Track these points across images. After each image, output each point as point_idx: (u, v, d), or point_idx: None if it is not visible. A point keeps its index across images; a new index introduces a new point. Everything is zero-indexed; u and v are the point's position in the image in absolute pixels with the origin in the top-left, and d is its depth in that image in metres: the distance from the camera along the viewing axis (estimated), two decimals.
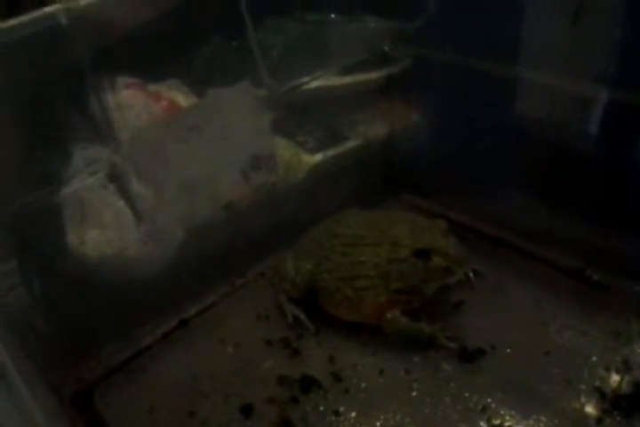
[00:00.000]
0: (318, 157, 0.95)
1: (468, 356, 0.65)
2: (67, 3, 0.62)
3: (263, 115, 0.91)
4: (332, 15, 1.05)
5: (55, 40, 0.62)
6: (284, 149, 0.96)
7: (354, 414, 0.61)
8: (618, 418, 0.57)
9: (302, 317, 0.72)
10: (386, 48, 0.98)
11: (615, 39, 0.71)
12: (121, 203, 0.77)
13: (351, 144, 0.98)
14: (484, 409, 0.60)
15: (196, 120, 0.75)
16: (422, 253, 0.65)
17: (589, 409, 0.58)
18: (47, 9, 0.60)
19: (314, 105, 1.00)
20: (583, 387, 0.60)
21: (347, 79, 0.98)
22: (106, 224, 0.76)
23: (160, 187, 0.76)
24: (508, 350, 0.65)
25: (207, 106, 0.79)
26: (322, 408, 0.62)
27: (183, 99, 0.85)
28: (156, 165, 0.74)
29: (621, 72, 0.72)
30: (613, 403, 0.58)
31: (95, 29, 0.69)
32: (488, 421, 0.58)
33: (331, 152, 0.96)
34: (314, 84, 0.96)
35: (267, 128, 0.92)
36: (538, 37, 0.82)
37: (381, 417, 0.60)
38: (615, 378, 0.61)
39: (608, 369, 0.62)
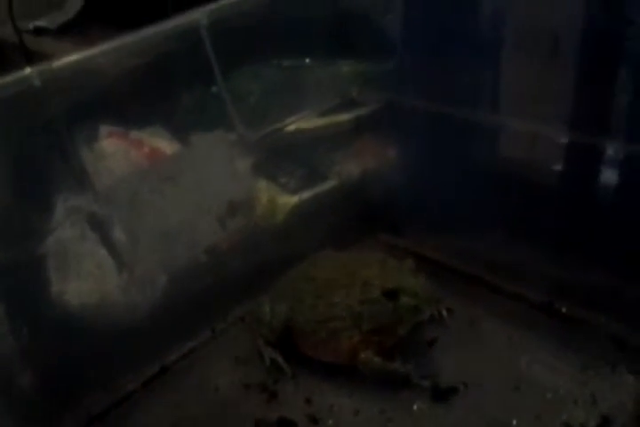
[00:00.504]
0: (298, 197, 0.97)
1: (441, 394, 0.67)
2: (39, 65, 0.65)
3: (239, 160, 0.94)
4: (307, 60, 1.09)
5: (30, 101, 0.65)
6: (263, 191, 0.98)
7: None
8: None
9: (279, 360, 0.73)
10: (354, 93, 1.01)
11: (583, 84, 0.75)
12: (102, 252, 0.79)
13: (330, 184, 1.00)
14: None
15: (170, 171, 0.78)
16: (392, 294, 0.66)
17: None
18: (20, 72, 0.63)
19: (294, 146, 1.03)
20: (552, 422, 0.62)
21: (319, 122, 1.02)
22: (87, 273, 0.78)
23: (138, 235, 0.78)
24: (480, 387, 0.67)
25: (181, 156, 0.82)
26: None
27: (166, 145, 0.87)
28: (134, 213, 0.77)
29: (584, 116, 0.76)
30: None
31: (69, 88, 0.72)
32: None
33: (310, 192, 0.98)
34: (287, 128, 1.00)
35: (244, 173, 0.95)
36: (505, 83, 0.86)
37: None
38: (583, 412, 0.62)
39: (576, 403, 0.63)
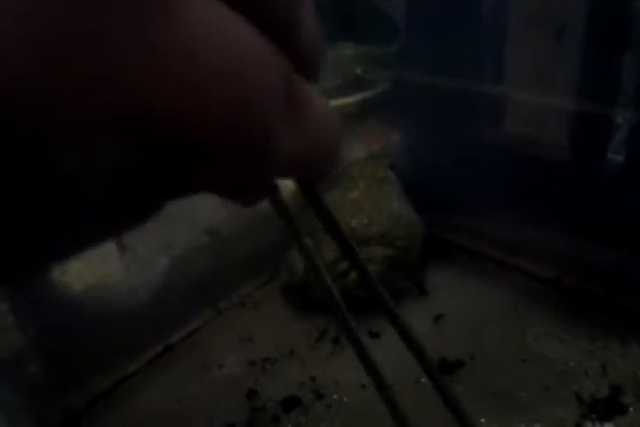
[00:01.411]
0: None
1: (448, 368, 0.65)
2: None
3: None
4: None
5: None
6: None
7: None
8: (596, 422, 0.57)
9: None
10: (359, 72, 1.00)
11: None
12: None
13: (337, 171, 0.99)
14: None
15: None
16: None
17: (567, 414, 0.58)
18: None
19: None
20: (561, 393, 0.61)
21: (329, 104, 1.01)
22: (87, 254, 0.77)
23: None
24: (487, 360, 0.66)
25: None
26: (304, 426, 0.62)
27: None
28: None
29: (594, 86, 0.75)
30: (591, 407, 0.58)
31: None
32: None
33: None
34: None
35: None
36: (510, 56, 0.85)
37: None
38: (593, 383, 0.61)
39: (586, 374, 0.62)
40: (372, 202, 0.78)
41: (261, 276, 0.85)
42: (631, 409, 0.58)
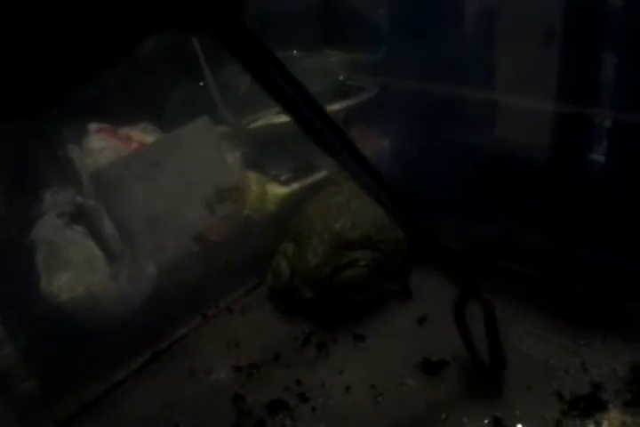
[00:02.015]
0: (289, 188, 0.98)
1: (431, 368, 0.66)
2: None
3: (228, 148, 0.94)
4: (295, 52, 1.10)
5: None
6: (254, 183, 0.99)
7: None
8: (576, 419, 0.58)
9: None
10: (342, 78, 1.01)
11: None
12: (90, 243, 0.79)
13: (321, 175, 1.00)
14: (447, 418, 0.60)
15: (155, 157, 0.78)
16: None
17: (548, 412, 0.59)
18: None
19: (285, 138, 1.03)
20: (543, 391, 0.61)
21: None
22: (75, 265, 0.78)
23: (125, 223, 0.78)
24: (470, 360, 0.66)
25: (166, 142, 0.82)
26: None
27: (154, 140, 0.88)
28: (119, 202, 0.77)
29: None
30: (572, 405, 0.59)
31: None
32: None
33: (301, 183, 0.98)
34: (278, 120, 1.00)
35: (233, 161, 0.95)
36: (495, 61, 0.86)
37: None
38: (574, 380, 0.62)
39: (567, 371, 0.63)
40: (355, 206, 0.79)
41: (249, 282, 0.85)
42: (611, 406, 0.58)
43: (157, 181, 0.78)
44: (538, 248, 0.80)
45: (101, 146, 0.87)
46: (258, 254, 0.87)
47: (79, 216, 0.78)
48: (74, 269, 0.78)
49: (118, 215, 0.78)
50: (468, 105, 0.94)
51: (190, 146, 0.81)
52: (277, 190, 0.98)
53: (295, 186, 0.98)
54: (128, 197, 0.77)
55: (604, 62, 0.75)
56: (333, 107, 1.03)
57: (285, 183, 0.99)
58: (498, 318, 0.71)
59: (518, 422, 0.59)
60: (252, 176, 1.00)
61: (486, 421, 0.59)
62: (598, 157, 0.81)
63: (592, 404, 0.58)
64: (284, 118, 1.01)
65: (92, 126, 0.89)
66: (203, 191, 0.84)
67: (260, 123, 1.01)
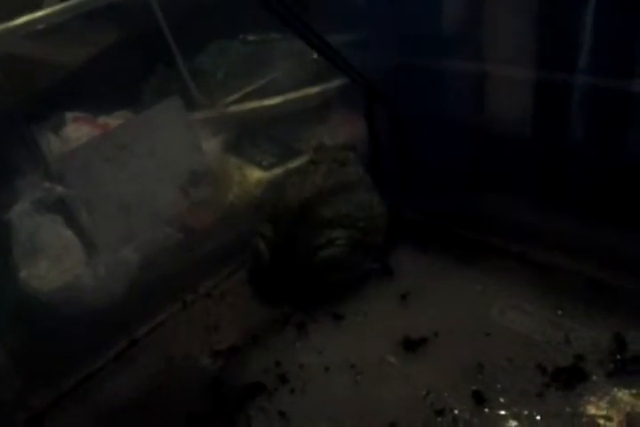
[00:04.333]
0: (271, 173, 0.96)
1: (411, 345, 0.65)
2: None
3: (205, 133, 0.93)
4: (272, 34, 1.08)
5: None
6: (235, 167, 0.97)
7: (298, 413, 0.60)
8: (559, 391, 0.56)
9: None
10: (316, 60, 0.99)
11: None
12: (67, 231, 0.78)
13: (303, 159, 0.98)
14: (428, 394, 0.59)
15: (124, 139, 0.76)
16: None
17: (529, 384, 0.58)
18: None
19: (267, 123, 1.01)
20: (524, 364, 0.60)
21: (289, 96, 1.00)
22: (54, 255, 0.77)
23: (96, 207, 0.76)
24: (451, 336, 0.65)
25: (134, 124, 0.80)
26: (267, 411, 0.61)
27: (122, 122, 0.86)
28: (89, 186, 0.75)
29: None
30: (553, 377, 0.58)
31: (17, 80, 0.72)
32: (431, 406, 0.58)
33: (284, 168, 0.97)
34: (256, 104, 0.99)
35: (211, 146, 0.93)
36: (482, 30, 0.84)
37: (327, 412, 0.59)
38: (556, 352, 0.60)
39: (549, 344, 0.62)
40: (332, 185, 0.77)
41: (227, 267, 0.84)
42: (594, 377, 0.57)
43: (127, 164, 0.76)
44: (519, 222, 0.78)
45: (78, 135, 0.85)
46: (240, 239, 0.85)
47: (55, 204, 0.76)
48: (50, 257, 0.77)
49: (89, 201, 0.76)
50: (450, 80, 0.92)
51: (160, 127, 0.79)
52: (259, 175, 0.97)
53: (277, 171, 0.97)
54: (98, 181, 0.75)
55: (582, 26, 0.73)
56: (310, 90, 1.01)
57: (267, 168, 0.98)
58: (480, 292, 0.70)
59: (500, 396, 0.57)
60: (233, 161, 0.98)
61: (467, 395, 0.58)
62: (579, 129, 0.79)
63: (574, 375, 0.57)
64: (265, 102, 1.00)
65: (69, 115, 0.88)
66: (175, 174, 0.82)
67: (241, 107, 1.00)
